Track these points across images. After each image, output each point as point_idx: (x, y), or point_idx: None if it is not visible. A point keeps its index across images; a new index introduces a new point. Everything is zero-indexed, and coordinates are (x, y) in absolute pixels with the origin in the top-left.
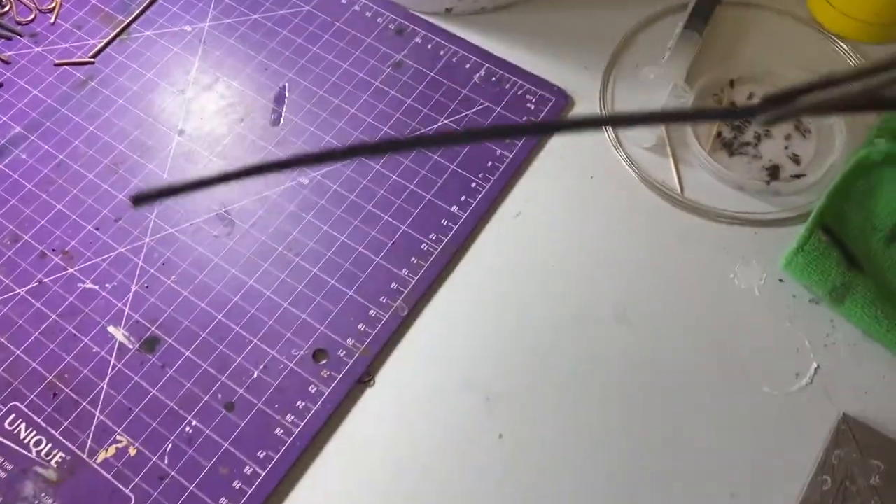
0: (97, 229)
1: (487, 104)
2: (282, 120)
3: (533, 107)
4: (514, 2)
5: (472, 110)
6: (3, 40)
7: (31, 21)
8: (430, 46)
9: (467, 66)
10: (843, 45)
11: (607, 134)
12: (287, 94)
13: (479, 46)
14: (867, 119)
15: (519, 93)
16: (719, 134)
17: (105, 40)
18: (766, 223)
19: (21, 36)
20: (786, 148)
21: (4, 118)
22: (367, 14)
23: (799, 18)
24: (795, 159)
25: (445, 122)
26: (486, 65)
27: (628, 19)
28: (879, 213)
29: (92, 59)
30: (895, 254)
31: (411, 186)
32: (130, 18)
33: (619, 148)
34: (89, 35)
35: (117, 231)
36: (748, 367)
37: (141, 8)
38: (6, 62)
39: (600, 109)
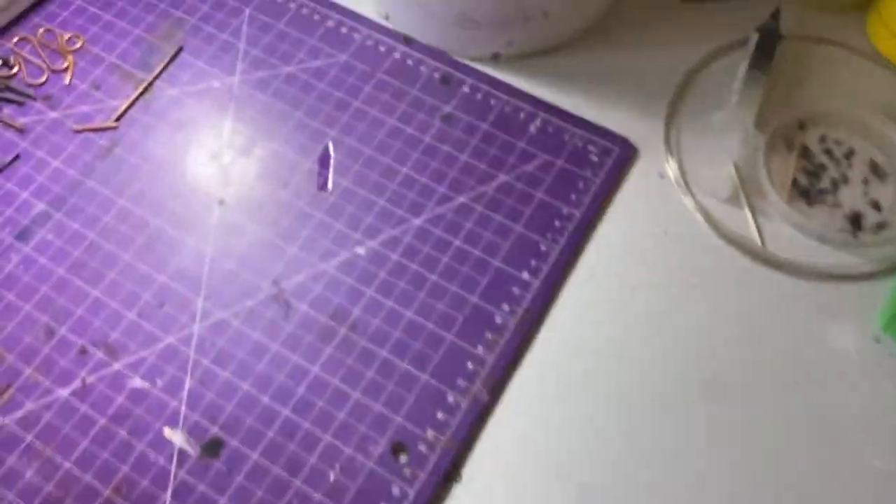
0: (140, 317)
1: (547, 157)
2: (329, 184)
3: (596, 158)
4: (563, 44)
5: (532, 165)
6: (14, 106)
7: (44, 83)
8: (479, 96)
9: (521, 116)
10: None
11: (678, 185)
12: (332, 154)
13: (531, 94)
14: None
15: (580, 144)
16: (794, 181)
17: (127, 101)
18: (855, 277)
19: (34, 99)
20: (864, 194)
21: (25, 195)
22: (409, 62)
23: (861, 51)
24: (876, 205)
25: (505, 178)
26: (542, 114)
27: (686, 57)
28: None
29: (115, 124)
30: None
31: (477, 252)
32: (153, 76)
33: (691, 200)
34: (109, 95)
35: (162, 318)
36: (851, 436)
37: (163, 63)
38: (21, 130)
39: (666, 159)
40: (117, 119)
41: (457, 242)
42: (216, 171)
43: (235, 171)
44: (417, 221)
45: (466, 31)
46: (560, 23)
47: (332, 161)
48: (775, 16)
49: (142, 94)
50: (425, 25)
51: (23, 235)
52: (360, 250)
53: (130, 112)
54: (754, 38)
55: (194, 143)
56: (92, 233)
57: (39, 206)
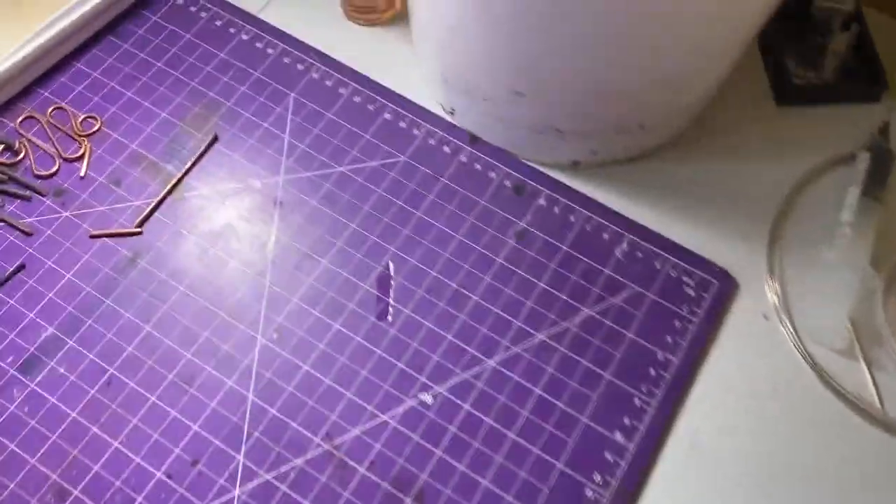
0: (170, 477)
1: (637, 288)
2: (390, 313)
3: (693, 293)
4: (650, 152)
5: (620, 297)
6: (20, 201)
7: (55, 174)
8: (556, 210)
9: (605, 236)
10: None
11: (785, 330)
12: (392, 275)
13: (615, 209)
14: None
15: (673, 274)
16: None
17: (153, 202)
18: None
19: (43, 195)
20: None
21: (31, 315)
22: (477, 166)
23: None
24: None
25: (590, 312)
26: (628, 235)
27: (786, 170)
28: None
29: (138, 230)
30: None
31: (561, 405)
32: (182, 171)
33: (801, 349)
34: (131, 193)
35: (196, 479)
36: None
37: (194, 156)
38: (27, 233)
39: (771, 298)
40: (141, 223)
41: (537, 391)
42: (258, 293)
43: (281, 295)
44: (491, 363)
45: (545, 137)
46: (653, 132)
47: (392, 284)
48: (884, 131)
49: (170, 192)
50: (496, 125)
51: (27, 367)
52: (427, 398)
53: (157, 214)
54: (864, 158)
55: (234, 256)
56: (111, 367)
57: (48, 331)
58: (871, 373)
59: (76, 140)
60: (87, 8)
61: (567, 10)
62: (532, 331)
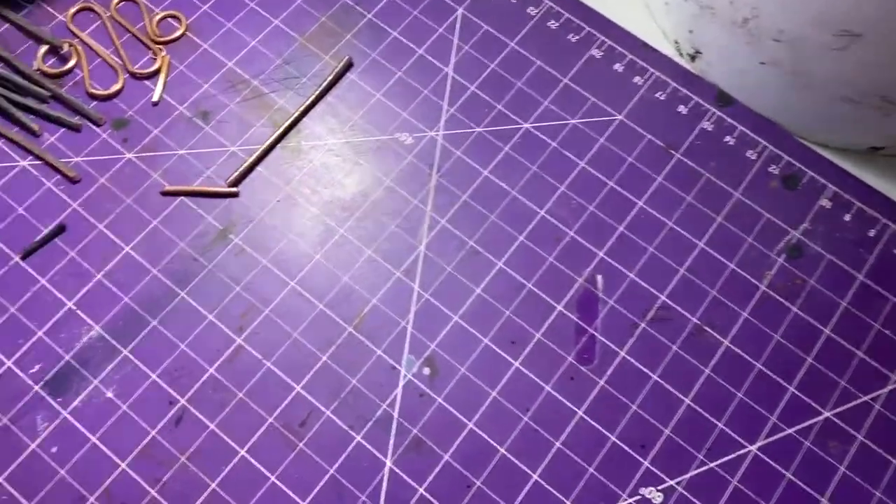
0: None
1: None
2: (596, 353)
3: None
4: None
5: None
6: (65, 131)
7: (116, 94)
8: (848, 217)
9: None
10: None
11: None
12: (600, 294)
13: None
14: None
15: None
16: None
17: (255, 150)
18: None
19: (98, 124)
20: None
21: (69, 305)
22: (728, 140)
23: None
24: None
25: None
26: None
27: None
28: None
29: (234, 189)
30: None
31: None
32: (300, 109)
33: None
34: (223, 133)
35: None
36: None
37: (319, 88)
38: (72, 180)
39: None
40: (237, 181)
41: (812, 493)
42: (403, 304)
43: (436, 309)
44: (752, 448)
45: (855, 109)
46: None
47: (599, 309)
48: None
49: (280, 138)
50: (771, 82)
51: (58, 383)
52: (654, 495)
53: (260, 168)
54: None
55: (369, 244)
56: (182, 396)
57: (92, 331)
58: None
59: (149, 48)
60: None
61: None
62: (815, 405)
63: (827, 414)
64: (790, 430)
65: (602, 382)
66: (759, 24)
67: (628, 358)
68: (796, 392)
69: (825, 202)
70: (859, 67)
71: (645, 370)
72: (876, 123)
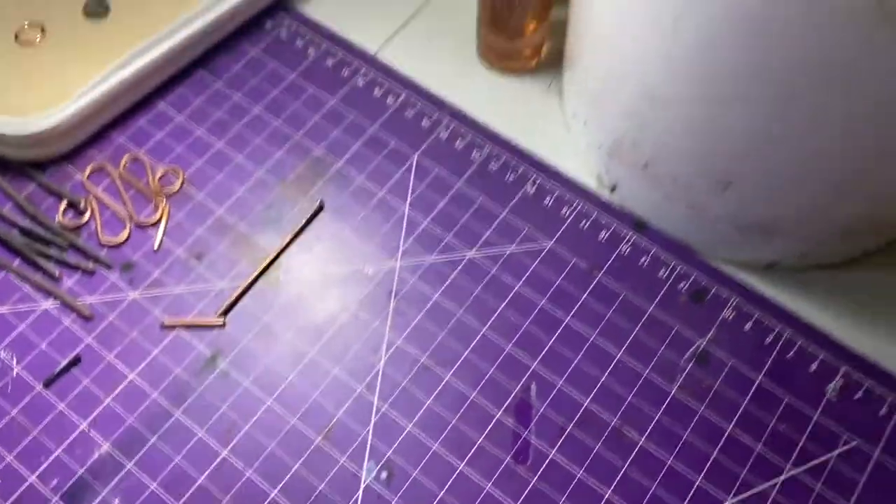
0: None
1: (857, 441)
2: (530, 454)
3: None
4: (859, 255)
5: (836, 453)
6: (80, 274)
7: (124, 242)
8: (748, 327)
9: (812, 367)
10: None
11: None
12: (534, 402)
13: (824, 332)
14: None
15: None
16: None
17: (240, 286)
18: None
19: (109, 268)
20: None
21: (83, 425)
22: (643, 261)
23: None
24: None
25: (795, 473)
26: (842, 366)
27: None
28: None
29: (221, 321)
30: None
31: None
32: (279, 248)
33: None
34: (214, 272)
35: None
36: None
37: (295, 229)
38: (87, 318)
39: None
40: (225, 312)
41: None
42: (364, 415)
43: (392, 420)
44: None
45: (745, 234)
46: (880, 234)
47: (533, 416)
48: None
49: (262, 274)
50: (675, 212)
51: (75, 495)
52: None
53: (245, 301)
54: None
55: (336, 363)
56: (178, 503)
57: (102, 448)
58: None
59: (152, 200)
60: (181, 35)
61: (830, 76)
62: (717, 494)
63: (730, 502)
64: None
65: (535, 480)
66: (656, 170)
67: (558, 457)
68: (702, 484)
69: (728, 314)
70: (737, 205)
71: (572, 468)
72: (763, 246)
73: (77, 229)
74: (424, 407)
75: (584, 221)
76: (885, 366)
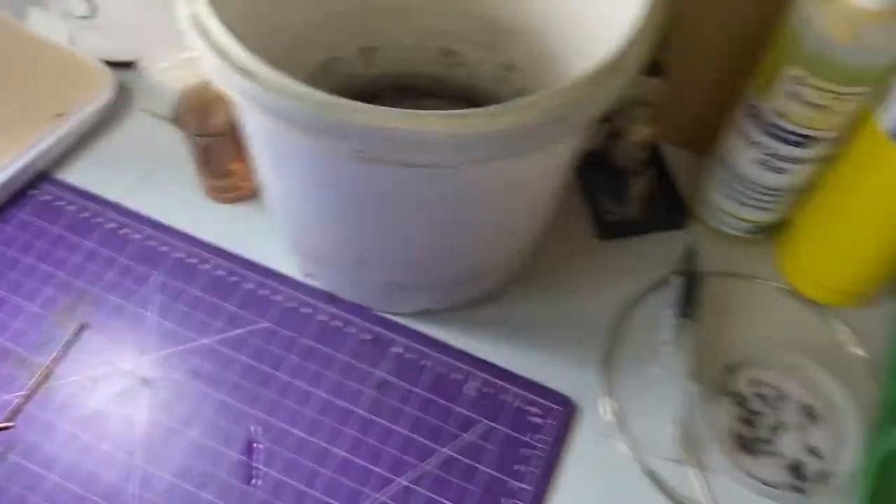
0: None
1: (488, 423)
2: (256, 476)
3: (539, 420)
4: (494, 294)
5: (474, 433)
6: None
7: None
8: (412, 357)
9: (457, 377)
10: (830, 313)
11: (624, 446)
12: (257, 440)
13: (465, 350)
14: (871, 398)
15: (517, 405)
16: (734, 432)
17: (22, 394)
18: None
19: None
20: (802, 440)
21: None
22: (336, 323)
23: (783, 289)
24: (816, 452)
25: (448, 452)
26: (479, 374)
27: (613, 299)
28: None
29: (11, 423)
30: None
31: None
32: (50, 360)
33: (638, 462)
34: (1, 388)
35: None
36: None
37: (61, 346)
38: None
39: (608, 417)
40: (11, 417)
41: None
42: (129, 473)
43: (152, 473)
44: None
45: (393, 292)
46: (487, 281)
47: (257, 449)
48: (690, 258)
49: (40, 384)
50: (350, 284)
51: None
52: None
53: (28, 407)
54: (675, 283)
55: (104, 439)
56: None
57: None
58: (702, 476)
59: None
60: None
61: (390, 212)
62: (395, 477)
63: (403, 482)
64: (380, 497)
65: (261, 494)
66: (328, 261)
67: (280, 476)
68: (384, 472)
69: (399, 349)
70: (374, 275)
71: (288, 481)
72: (407, 298)
73: None
74: (176, 459)
75: (291, 303)
76: (507, 367)
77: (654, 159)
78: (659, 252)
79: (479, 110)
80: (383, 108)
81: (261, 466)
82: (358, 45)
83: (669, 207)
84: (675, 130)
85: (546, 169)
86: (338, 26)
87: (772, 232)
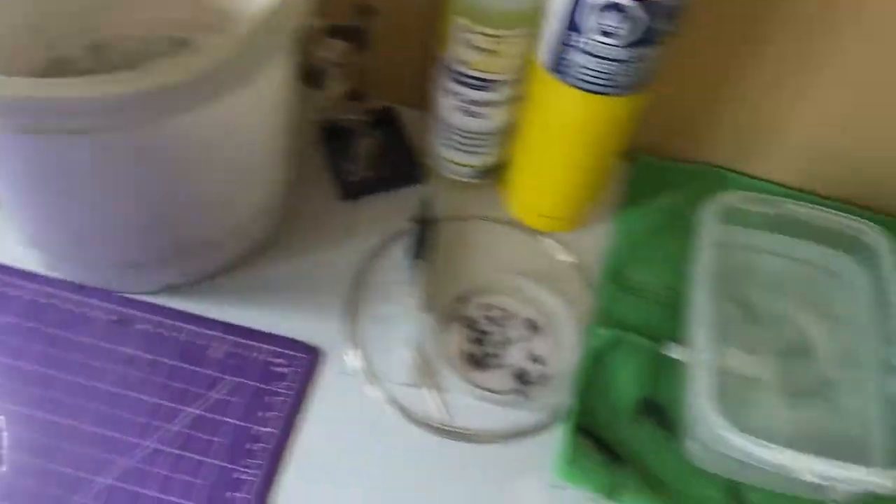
0: None
1: (234, 379)
2: (3, 462)
3: (286, 370)
4: (239, 262)
5: (221, 392)
6: None
7: None
8: (160, 331)
9: (204, 343)
10: (549, 238)
11: (366, 379)
12: (4, 429)
13: (213, 318)
14: (585, 307)
15: (263, 358)
16: (466, 352)
17: None
18: (532, 432)
19: None
20: (526, 350)
21: None
22: (83, 310)
23: (509, 223)
24: (538, 359)
25: (195, 410)
26: (227, 337)
27: (355, 254)
28: (620, 398)
29: None
30: (643, 434)
31: (175, 500)
32: None
33: (380, 391)
34: None
35: None
36: None
37: None
38: None
39: (352, 357)
40: None
41: (155, 494)
42: None
43: None
44: (107, 480)
45: (133, 271)
46: (228, 249)
47: (4, 437)
48: (425, 206)
49: None
50: (86, 269)
51: None
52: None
53: None
54: (409, 229)
55: None
56: None
57: None
58: (439, 396)
59: None
60: None
61: (77, 185)
62: (142, 441)
63: (152, 444)
64: (133, 462)
65: (11, 479)
66: (51, 246)
67: (30, 458)
68: (135, 439)
69: (146, 326)
70: (105, 254)
71: (39, 461)
72: (150, 276)
73: None
74: None
75: (38, 296)
76: (257, 327)
77: (384, 119)
78: (399, 207)
79: (110, 76)
80: (19, 78)
81: (4, 451)
82: (85, 42)
83: (402, 163)
84: (398, 91)
85: (229, 129)
86: (59, 24)
87: (497, 174)
